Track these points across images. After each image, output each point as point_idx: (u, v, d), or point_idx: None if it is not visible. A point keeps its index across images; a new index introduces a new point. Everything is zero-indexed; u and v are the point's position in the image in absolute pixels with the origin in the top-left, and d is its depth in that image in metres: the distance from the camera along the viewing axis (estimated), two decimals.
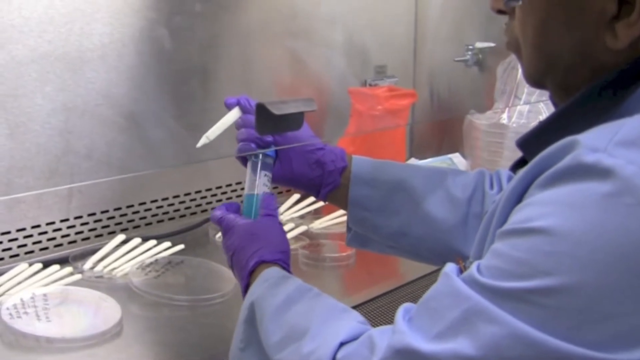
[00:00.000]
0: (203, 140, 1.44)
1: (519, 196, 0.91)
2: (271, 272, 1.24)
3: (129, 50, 1.99)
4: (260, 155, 1.44)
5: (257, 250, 1.30)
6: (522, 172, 0.92)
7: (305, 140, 1.49)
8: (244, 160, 1.48)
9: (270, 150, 1.46)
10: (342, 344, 1.01)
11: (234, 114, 1.46)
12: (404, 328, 0.91)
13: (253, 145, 1.46)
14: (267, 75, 2.38)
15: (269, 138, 1.46)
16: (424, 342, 0.87)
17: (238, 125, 1.47)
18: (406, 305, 0.96)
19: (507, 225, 0.89)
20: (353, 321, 1.07)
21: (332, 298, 1.16)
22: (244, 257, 1.30)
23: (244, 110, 1.46)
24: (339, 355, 1.00)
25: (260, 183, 1.43)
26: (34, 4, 1.79)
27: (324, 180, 1.49)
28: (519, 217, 0.87)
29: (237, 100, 1.47)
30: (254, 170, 1.44)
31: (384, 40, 2.79)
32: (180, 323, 1.58)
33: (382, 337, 0.95)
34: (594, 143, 0.83)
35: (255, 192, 1.42)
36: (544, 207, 0.84)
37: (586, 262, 0.79)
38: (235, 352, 1.21)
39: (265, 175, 1.44)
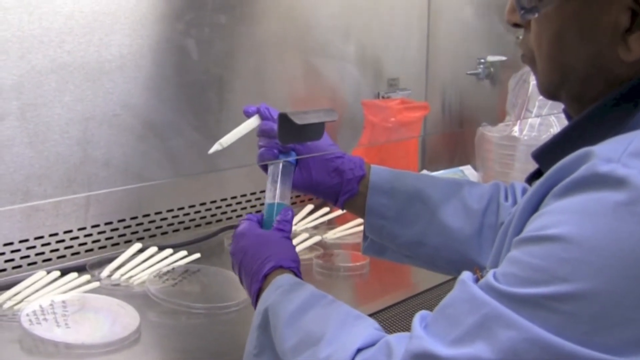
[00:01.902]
0: (216, 147, 1.45)
1: (535, 206, 0.92)
2: (285, 279, 1.25)
3: (146, 61, 2.01)
4: (280, 165, 1.45)
5: (271, 255, 1.30)
6: (538, 183, 0.93)
7: (324, 148, 1.50)
8: (264, 167, 1.49)
9: (294, 155, 1.48)
10: (359, 350, 1.01)
11: (252, 122, 1.48)
12: (421, 333, 0.91)
13: (275, 151, 1.47)
14: (282, 86, 2.39)
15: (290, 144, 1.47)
16: (441, 347, 0.88)
17: (259, 132, 1.49)
18: (422, 312, 0.97)
19: (523, 234, 0.90)
20: (370, 328, 1.07)
21: (346, 305, 1.16)
22: (257, 260, 1.31)
23: (264, 118, 1.48)
24: None
25: (278, 192, 1.44)
26: (54, 15, 1.81)
27: (342, 188, 1.50)
28: (535, 225, 0.88)
29: (257, 108, 1.49)
30: (273, 179, 1.45)
31: (396, 54, 2.80)
32: (198, 330, 1.59)
33: (399, 342, 0.95)
34: (608, 154, 0.84)
35: (276, 201, 1.43)
36: (560, 215, 0.85)
37: (600, 268, 0.80)
38: (249, 358, 1.22)
39: (285, 183, 1.44)
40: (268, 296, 1.22)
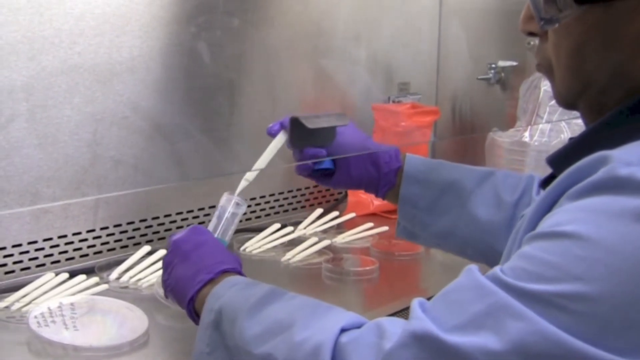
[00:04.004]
0: (243, 184, 1.52)
1: (548, 208, 0.91)
2: (238, 278, 1.24)
3: (157, 63, 2.00)
4: (233, 202, 1.49)
5: (232, 261, 1.31)
6: (552, 185, 0.92)
7: (359, 145, 1.55)
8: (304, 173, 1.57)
9: (328, 162, 1.54)
10: (343, 330, 0.98)
11: (280, 139, 1.50)
12: (422, 315, 0.89)
13: (310, 164, 1.54)
14: (292, 91, 2.38)
15: (323, 152, 1.52)
16: (443, 331, 0.86)
17: (289, 146, 1.53)
18: (420, 298, 0.94)
19: (537, 230, 0.89)
20: (348, 312, 1.05)
21: (312, 298, 1.14)
22: (216, 257, 1.30)
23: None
24: (342, 340, 0.97)
25: (220, 229, 1.49)
26: (65, 16, 1.80)
27: (380, 182, 1.55)
28: (550, 222, 0.87)
29: (280, 123, 1.51)
30: (220, 214, 1.50)
31: (407, 58, 2.79)
32: None
33: (394, 324, 0.93)
34: (626, 157, 0.83)
35: (217, 236, 1.47)
36: (577, 213, 0.84)
37: (617, 270, 0.79)
38: (201, 357, 1.19)
39: (229, 221, 1.49)
40: (221, 293, 1.20)
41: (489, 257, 1.49)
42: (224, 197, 1.49)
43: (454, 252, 1.59)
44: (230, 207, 1.48)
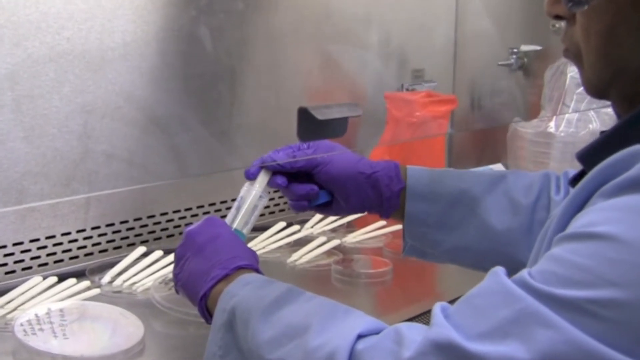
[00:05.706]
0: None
1: (579, 206, 0.90)
2: (253, 276, 1.24)
3: (152, 49, 1.99)
4: (253, 193, 1.49)
5: (248, 257, 1.30)
6: (582, 182, 0.91)
7: (354, 170, 1.53)
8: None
9: (323, 195, 1.55)
10: (360, 337, 0.98)
11: (262, 179, 1.50)
12: (444, 322, 0.89)
13: (305, 203, 1.54)
14: (298, 78, 2.37)
15: (315, 188, 1.52)
16: (467, 340, 0.85)
17: (273, 186, 1.53)
18: (442, 303, 0.94)
19: (567, 231, 0.88)
20: (367, 317, 1.05)
21: (331, 300, 1.13)
22: (232, 251, 1.30)
23: (271, 168, 1.51)
24: (358, 347, 0.97)
25: (237, 219, 1.47)
26: None
27: (383, 206, 1.53)
28: (581, 222, 0.86)
29: (261, 160, 1.51)
30: (239, 204, 1.49)
31: (422, 43, 2.78)
32: (206, 341, 1.56)
33: (413, 331, 0.93)
34: None
35: (233, 227, 1.46)
36: (611, 213, 0.83)
37: None
38: (213, 359, 1.19)
39: (248, 213, 1.48)
40: (235, 292, 1.20)
41: (510, 269, 1.47)
42: (244, 188, 1.49)
43: (470, 268, 1.55)
44: (250, 198, 1.47)
